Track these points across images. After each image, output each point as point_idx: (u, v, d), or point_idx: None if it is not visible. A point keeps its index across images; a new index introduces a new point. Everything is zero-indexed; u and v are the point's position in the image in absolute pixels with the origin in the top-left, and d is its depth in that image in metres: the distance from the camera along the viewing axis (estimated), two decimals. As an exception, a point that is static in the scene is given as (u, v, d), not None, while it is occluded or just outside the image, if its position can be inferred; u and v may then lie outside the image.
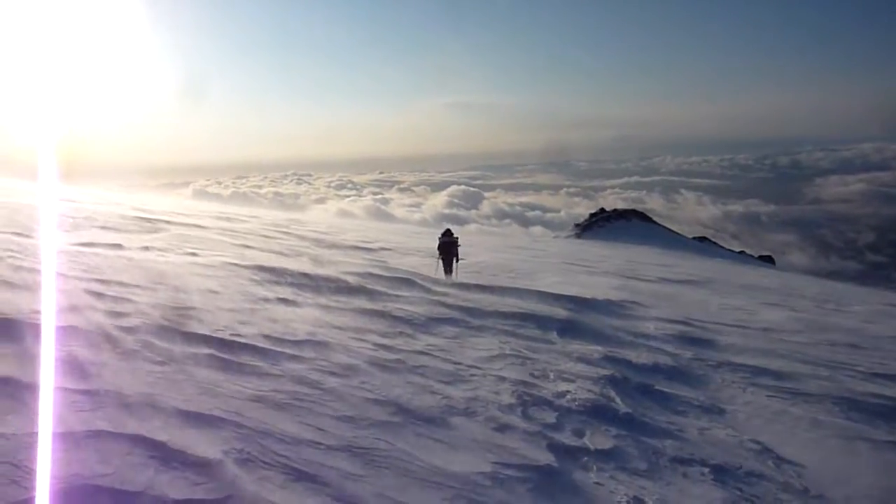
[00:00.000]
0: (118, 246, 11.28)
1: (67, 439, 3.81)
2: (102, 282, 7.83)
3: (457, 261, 13.98)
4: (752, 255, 57.41)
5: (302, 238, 18.99)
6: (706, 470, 5.77)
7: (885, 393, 8.48)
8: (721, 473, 5.75)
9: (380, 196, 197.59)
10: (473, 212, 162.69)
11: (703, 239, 63.30)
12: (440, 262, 14.00)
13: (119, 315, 6.51)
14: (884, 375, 9.40)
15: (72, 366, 4.93)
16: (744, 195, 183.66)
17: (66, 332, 5.61)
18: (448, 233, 14.38)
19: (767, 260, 56.16)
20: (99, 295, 7.14)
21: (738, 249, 64.24)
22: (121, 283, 7.95)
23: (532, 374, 7.44)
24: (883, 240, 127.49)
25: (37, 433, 3.74)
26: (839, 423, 7.43)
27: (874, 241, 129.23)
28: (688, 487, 5.39)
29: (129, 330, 6.09)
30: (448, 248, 13.91)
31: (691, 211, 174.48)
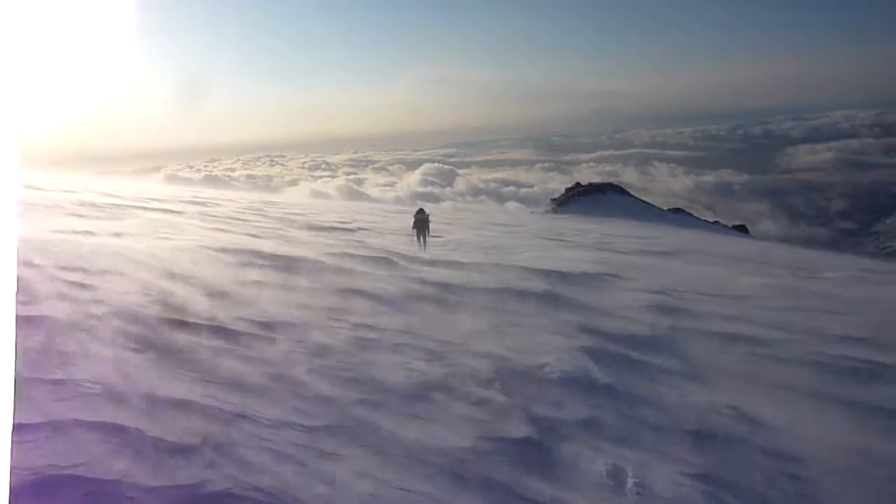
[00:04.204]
0: (89, 233, 11.06)
1: (41, 430, 3.73)
2: (73, 269, 7.67)
3: (428, 233, 16.63)
4: (725, 225, 58.17)
5: (277, 220, 18.82)
6: (684, 436, 5.84)
7: (856, 356, 8.67)
8: (699, 439, 5.83)
9: (353, 176, 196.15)
10: (448, 189, 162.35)
11: (678, 210, 63.94)
12: (415, 234, 16.49)
13: (90, 302, 6.38)
14: (855, 339, 9.61)
15: (43, 355, 4.83)
16: (717, 166, 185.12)
17: (36, 321, 5.48)
18: (421, 211, 17.00)
19: (741, 229, 56.94)
20: (69, 283, 6.99)
21: (712, 220, 65.04)
22: (91, 271, 7.80)
23: (510, 349, 7.46)
24: (853, 207, 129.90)
25: (8, 425, 3.65)
26: (813, 385, 7.58)
27: (844, 209, 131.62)
28: (667, 454, 5.46)
29: (100, 317, 5.98)
30: (422, 224, 16.55)
31: (665, 183, 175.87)
